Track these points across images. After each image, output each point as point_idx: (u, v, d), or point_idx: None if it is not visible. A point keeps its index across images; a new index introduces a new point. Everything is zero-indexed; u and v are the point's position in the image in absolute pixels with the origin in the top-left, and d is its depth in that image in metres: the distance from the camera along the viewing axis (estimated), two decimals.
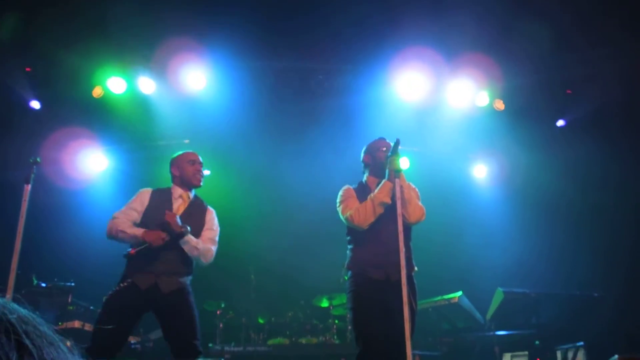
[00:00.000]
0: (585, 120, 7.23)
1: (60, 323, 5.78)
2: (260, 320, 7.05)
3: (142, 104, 7.13)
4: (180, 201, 3.96)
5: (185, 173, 4.01)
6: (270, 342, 6.78)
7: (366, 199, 3.76)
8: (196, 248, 3.77)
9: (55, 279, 6.10)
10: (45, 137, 6.75)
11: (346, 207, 3.81)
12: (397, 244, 3.46)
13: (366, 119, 7.09)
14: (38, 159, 3.64)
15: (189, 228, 3.74)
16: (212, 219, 4.03)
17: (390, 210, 3.66)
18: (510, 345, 6.07)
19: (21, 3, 6.06)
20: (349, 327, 6.48)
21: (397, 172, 3.67)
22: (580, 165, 7.16)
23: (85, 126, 7.17)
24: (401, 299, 3.34)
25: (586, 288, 6.22)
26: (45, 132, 6.79)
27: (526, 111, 7.42)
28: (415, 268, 3.83)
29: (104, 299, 3.70)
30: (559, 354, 5.81)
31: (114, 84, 6.83)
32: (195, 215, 3.95)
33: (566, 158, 7.28)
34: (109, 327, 3.38)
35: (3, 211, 4.58)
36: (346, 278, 3.88)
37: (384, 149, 3.91)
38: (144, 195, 3.92)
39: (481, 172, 8.27)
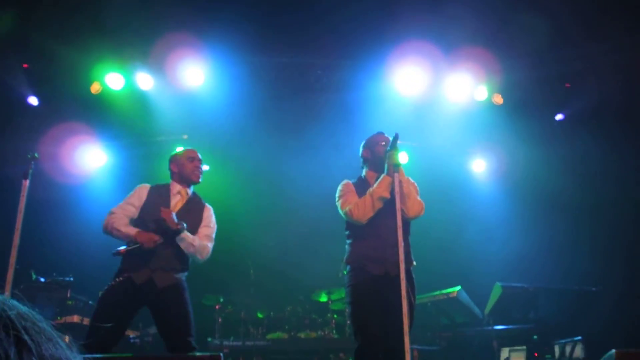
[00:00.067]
0: (584, 114, 7.22)
1: (59, 318, 5.79)
2: (259, 315, 7.06)
3: (140, 100, 7.12)
4: (178, 197, 3.97)
5: (184, 169, 4.02)
6: (269, 336, 6.79)
7: (365, 193, 3.76)
8: (192, 245, 3.78)
9: (54, 274, 6.11)
10: (44, 133, 6.75)
11: (345, 201, 3.81)
12: (396, 238, 3.46)
13: (365, 113, 7.09)
14: (36, 155, 3.63)
15: (185, 225, 3.75)
16: (210, 216, 4.04)
17: (389, 205, 3.67)
18: (508, 339, 6.08)
19: None
20: (348, 322, 6.50)
21: (396, 167, 3.67)
22: (579, 160, 7.17)
23: (83, 122, 7.16)
24: (400, 293, 3.35)
25: (585, 283, 6.23)
26: (44, 128, 6.78)
27: (525, 105, 7.42)
28: (414, 263, 3.84)
29: (100, 294, 3.72)
30: (556, 349, 5.83)
31: (112, 80, 6.82)
32: (192, 211, 3.96)
33: (565, 152, 7.28)
34: (105, 322, 3.40)
35: (1, 207, 4.57)
36: (345, 273, 3.89)
37: (383, 143, 3.91)
38: (142, 191, 3.93)
39: (480, 167, 8.27)
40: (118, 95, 7.02)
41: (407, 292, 3.42)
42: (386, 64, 6.93)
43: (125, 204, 3.87)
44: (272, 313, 7.05)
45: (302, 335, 6.81)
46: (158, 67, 6.87)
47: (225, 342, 6.51)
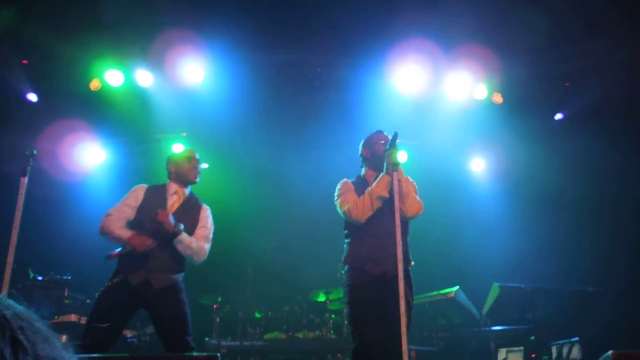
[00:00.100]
0: (585, 113, 7.21)
1: (56, 317, 5.78)
2: (257, 315, 7.05)
3: (139, 97, 7.11)
4: (175, 197, 3.97)
5: (181, 169, 4.02)
6: (266, 336, 6.78)
7: (364, 192, 3.75)
8: (189, 247, 3.78)
9: (52, 273, 6.10)
10: (42, 130, 6.73)
11: (344, 200, 3.80)
12: (394, 238, 3.46)
13: (364, 111, 7.08)
14: (35, 152, 3.63)
15: (182, 226, 3.75)
16: (207, 216, 4.04)
17: (388, 204, 3.66)
18: (506, 340, 6.09)
19: None
20: (346, 322, 6.49)
21: (395, 166, 3.67)
22: (579, 159, 7.16)
23: (82, 119, 7.15)
24: (398, 293, 3.34)
25: (583, 283, 6.23)
26: (42, 125, 6.77)
27: (525, 104, 7.41)
28: (412, 263, 3.83)
29: (97, 295, 3.72)
30: (554, 350, 5.83)
31: (111, 77, 6.81)
32: (189, 211, 3.96)
33: (565, 151, 7.28)
34: (101, 323, 3.41)
35: None
36: (343, 272, 3.88)
37: (382, 142, 3.90)
38: (139, 192, 3.94)
39: (479, 166, 8.27)
40: (117, 92, 7.01)
41: (405, 292, 3.42)
42: (386, 61, 6.93)
43: (121, 205, 3.87)
44: (269, 313, 7.04)
45: (299, 335, 6.80)
46: (158, 64, 6.86)
47: (223, 342, 6.50)
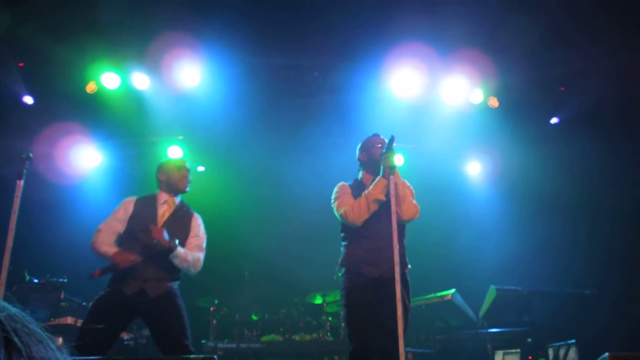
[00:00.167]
0: (581, 117, 7.23)
1: (52, 319, 5.75)
2: (254, 317, 7.04)
3: (136, 100, 7.09)
4: (165, 207, 3.97)
5: (172, 178, 4.02)
6: (263, 338, 6.78)
7: (361, 196, 3.76)
8: (186, 260, 3.79)
9: (48, 275, 6.07)
10: (38, 133, 6.71)
11: (341, 203, 3.81)
12: (391, 241, 3.46)
13: (361, 115, 7.09)
14: (31, 155, 3.62)
15: (177, 242, 3.75)
16: (198, 225, 4.04)
17: (384, 207, 3.67)
18: (502, 342, 6.09)
19: None
20: (342, 325, 6.48)
21: (391, 169, 3.67)
22: (575, 162, 7.18)
23: (78, 121, 7.13)
24: (394, 296, 3.34)
25: (580, 286, 6.24)
26: (38, 128, 6.75)
27: (521, 108, 7.43)
28: (409, 266, 3.84)
29: (90, 305, 3.72)
30: (550, 352, 5.84)
31: (107, 80, 6.80)
32: (180, 220, 3.97)
33: (561, 155, 7.29)
34: (94, 333, 3.42)
35: None
36: (340, 275, 3.89)
37: (379, 145, 3.91)
38: (128, 205, 3.94)
39: (475, 169, 8.28)
40: (114, 95, 6.99)
41: (402, 294, 3.42)
42: (382, 65, 6.94)
43: (111, 220, 3.89)
44: (266, 315, 7.03)
45: (296, 337, 6.79)
46: (154, 67, 6.85)
47: (220, 345, 6.49)
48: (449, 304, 6.33)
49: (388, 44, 6.54)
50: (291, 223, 7.57)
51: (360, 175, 4.04)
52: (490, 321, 6.09)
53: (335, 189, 3.96)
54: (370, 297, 3.63)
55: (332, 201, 3.91)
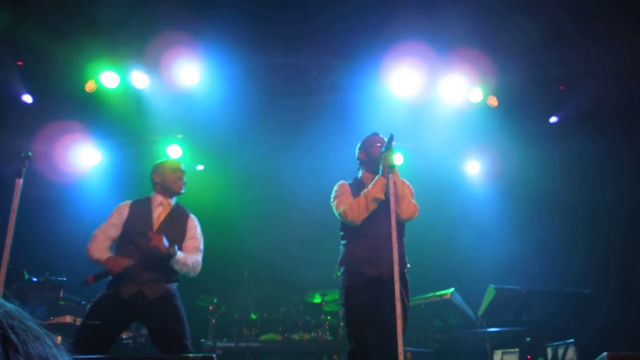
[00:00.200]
0: (580, 116, 7.23)
1: (51, 318, 5.76)
2: (253, 316, 7.04)
3: (135, 99, 7.09)
4: (160, 209, 3.96)
5: (166, 180, 4.01)
6: (262, 337, 6.78)
7: (360, 195, 3.76)
8: (186, 264, 3.80)
9: (47, 274, 6.08)
10: (38, 131, 6.71)
11: (340, 202, 3.82)
12: (390, 240, 3.46)
13: (360, 114, 7.09)
14: (30, 153, 3.62)
15: (177, 248, 3.76)
16: (194, 226, 4.04)
17: (383, 206, 3.67)
18: (501, 342, 6.10)
19: None
20: (341, 324, 6.49)
21: (390, 168, 3.68)
22: (574, 162, 7.18)
23: (77, 120, 7.13)
24: (393, 295, 3.35)
25: (579, 285, 6.25)
26: (37, 126, 6.75)
27: (520, 107, 7.43)
28: (408, 265, 3.84)
29: (88, 307, 3.73)
30: (549, 351, 5.84)
31: (107, 78, 6.79)
32: (176, 222, 3.97)
33: (560, 154, 7.29)
34: (93, 331, 3.43)
35: None
36: (339, 274, 3.89)
37: (378, 144, 3.91)
38: (123, 209, 3.95)
39: (474, 169, 8.28)
40: (113, 93, 6.99)
41: (401, 294, 3.42)
42: (381, 64, 6.94)
43: (106, 225, 3.90)
44: (265, 314, 7.03)
45: (295, 336, 6.80)
46: (153, 65, 6.85)
47: (219, 344, 6.49)
48: (448, 303, 6.34)
49: (387, 43, 6.54)
50: (290, 222, 7.58)
51: (360, 174, 4.04)
52: (489, 320, 6.10)
53: (335, 188, 3.97)
54: (369, 296, 3.63)
55: (332, 200, 3.91)
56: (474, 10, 6.02)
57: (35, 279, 5.97)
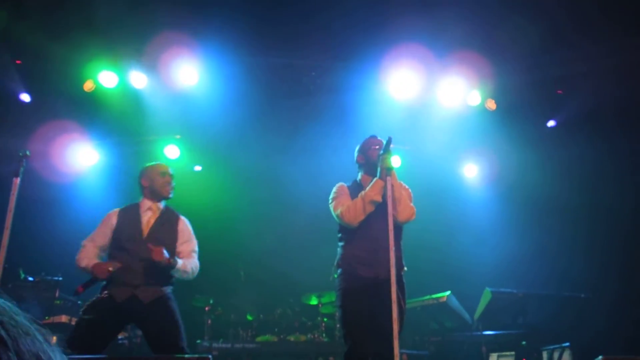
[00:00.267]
0: (578, 119, 7.23)
1: (47, 317, 5.75)
2: (249, 317, 7.04)
3: (133, 99, 7.08)
4: (149, 213, 3.96)
5: (155, 184, 4.00)
6: (258, 339, 6.77)
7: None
8: (185, 271, 3.84)
9: (43, 273, 6.06)
10: (35, 131, 6.70)
11: (338, 204, 3.82)
12: (387, 242, 3.46)
13: (359, 116, 7.09)
14: (28, 152, 3.62)
15: (177, 259, 3.78)
16: (186, 229, 4.04)
17: (381, 208, 3.67)
18: (497, 345, 6.10)
19: None
20: (338, 325, 6.48)
21: (388, 171, 3.67)
22: (572, 165, 7.18)
23: (75, 120, 7.12)
24: (390, 297, 3.34)
25: (576, 289, 6.25)
26: (35, 126, 6.74)
27: (518, 110, 7.43)
28: (405, 268, 3.84)
29: (81, 310, 3.74)
30: (544, 355, 5.84)
31: (105, 78, 6.78)
32: (166, 225, 3.97)
33: (558, 157, 7.29)
34: (87, 334, 3.42)
35: None
36: (336, 276, 3.89)
37: (377, 147, 3.91)
38: (112, 218, 3.95)
39: (472, 172, 8.29)
40: (111, 93, 6.98)
41: (398, 296, 3.42)
42: (380, 66, 6.94)
43: (95, 235, 3.92)
44: (261, 315, 7.03)
45: (291, 338, 6.79)
46: (152, 65, 6.84)
47: (215, 345, 6.48)
48: (444, 306, 6.33)
49: (386, 44, 6.54)
50: (287, 223, 7.58)
51: (359, 176, 4.04)
52: (485, 324, 6.10)
53: (334, 189, 3.97)
54: (366, 299, 3.63)
55: (330, 201, 3.92)
56: (473, 12, 6.03)
57: (31, 279, 5.96)
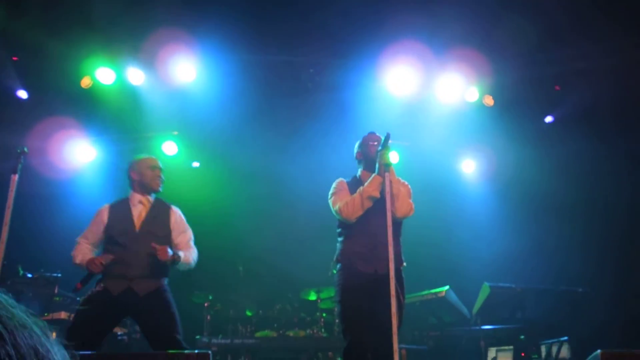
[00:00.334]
0: (576, 115, 7.24)
1: (46, 314, 5.75)
2: (248, 313, 7.05)
3: (131, 95, 7.07)
4: (140, 207, 3.97)
5: (144, 178, 4.01)
6: (257, 334, 6.78)
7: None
8: (188, 263, 3.89)
9: (42, 270, 6.05)
10: (32, 127, 6.68)
11: (336, 199, 3.83)
12: (386, 237, 3.47)
13: (357, 113, 7.08)
14: (25, 149, 3.61)
15: (179, 254, 3.80)
16: (180, 220, 4.06)
17: (380, 204, 3.67)
18: (495, 339, 6.11)
19: None
20: (337, 321, 6.49)
21: (386, 166, 3.68)
22: (570, 161, 7.19)
23: (73, 116, 7.10)
24: (389, 293, 3.35)
25: (574, 284, 6.26)
26: (33, 122, 6.72)
27: (516, 106, 7.43)
28: (404, 263, 3.85)
29: (79, 304, 3.75)
30: (543, 349, 5.86)
31: (102, 75, 6.77)
32: (158, 217, 3.99)
33: (557, 154, 7.30)
34: (82, 334, 3.44)
35: None
36: (335, 272, 3.90)
37: (375, 143, 3.92)
38: (103, 213, 3.97)
39: (470, 168, 8.29)
40: (108, 90, 6.97)
41: (397, 291, 3.43)
42: (378, 63, 6.93)
43: (87, 231, 3.95)
44: (261, 311, 7.04)
45: (290, 333, 6.80)
46: (149, 62, 6.83)
47: (214, 340, 6.49)
48: (442, 300, 6.34)
49: (384, 41, 6.53)
50: (286, 219, 7.58)
51: (359, 172, 4.05)
52: (484, 318, 6.11)
53: (333, 185, 3.98)
54: (365, 294, 3.64)
55: (329, 197, 3.93)
56: (471, 8, 6.02)
57: (30, 275, 5.95)
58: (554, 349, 5.67)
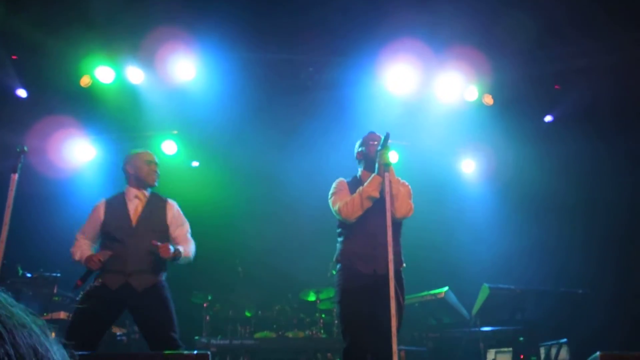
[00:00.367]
0: (576, 115, 7.23)
1: (45, 314, 5.74)
2: (247, 314, 7.03)
3: (130, 94, 7.05)
4: (136, 201, 3.97)
5: (140, 172, 4.01)
6: (256, 335, 6.77)
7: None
8: (188, 257, 3.91)
9: (41, 270, 6.04)
10: (32, 126, 6.67)
11: (336, 199, 3.83)
12: (385, 238, 3.46)
13: (356, 111, 7.07)
14: (25, 148, 3.60)
15: (180, 249, 3.80)
16: (176, 214, 4.06)
17: (379, 204, 3.67)
18: (495, 341, 6.10)
19: None
20: (336, 322, 6.49)
21: (386, 166, 3.67)
22: (570, 161, 7.18)
23: (72, 115, 7.09)
24: (388, 294, 3.34)
25: (574, 285, 6.26)
26: (32, 121, 6.71)
27: (516, 106, 7.42)
28: (404, 264, 3.84)
29: (77, 300, 3.75)
30: (542, 351, 5.85)
31: (102, 73, 6.75)
32: (155, 211, 3.99)
33: (557, 153, 7.29)
34: (82, 330, 3.43)
35: None
36: (334, 272, 3.89)
37: (375, 142, 3.91)
38: (99, 209, 3.98)
39: (469, 167, 8.28)
40: (108, 88, 6.95)
41: (396, 292, 3.42)
42: (377, 62, 6.92)
43: (85, 227, 3.97)
44: (260, 312, 7.03)
45: (290, 334, 6.79)
46: (149, 61, 6.81)
47: (213, 341, 6.48)
48: (442, 302, 6.33)
49: (383, 40, 6.52)
50: (285, 220, 7.57)
51: (359, 172, 4.05)
52: (483, 319, 6.10)
53: (333, 185, 3.98)
54: (364, 295, 3.63)
55: (329, 196, 3.93)
56: (470, 7, 6.01)
57: (29, 275, 5.94)
58: (553, 351, 5.66)
